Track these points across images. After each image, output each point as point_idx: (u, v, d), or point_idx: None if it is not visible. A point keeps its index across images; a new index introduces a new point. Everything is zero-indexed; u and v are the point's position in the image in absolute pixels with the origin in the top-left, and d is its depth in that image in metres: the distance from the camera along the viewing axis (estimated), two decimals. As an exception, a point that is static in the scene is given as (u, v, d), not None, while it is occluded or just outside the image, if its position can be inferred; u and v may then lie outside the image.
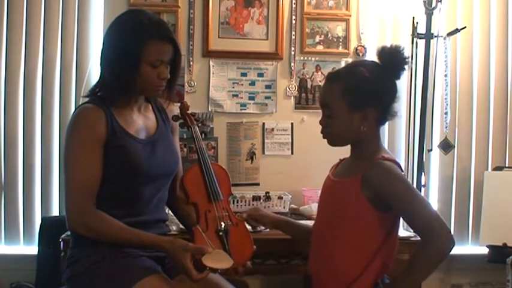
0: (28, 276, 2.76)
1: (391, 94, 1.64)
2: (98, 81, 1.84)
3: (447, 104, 2.89)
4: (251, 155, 2.98)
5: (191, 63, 2.93)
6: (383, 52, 1.64)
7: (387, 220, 1.61)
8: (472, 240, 3.04)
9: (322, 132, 1.68)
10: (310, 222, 2.54)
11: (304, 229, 1.89)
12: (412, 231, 2.56)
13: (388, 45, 1.66)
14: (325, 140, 1.70)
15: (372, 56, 1.70)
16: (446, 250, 1.49)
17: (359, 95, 1.60)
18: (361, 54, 2.98)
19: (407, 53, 1.64)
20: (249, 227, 1.93)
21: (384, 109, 1.64)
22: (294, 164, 3.00)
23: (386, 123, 1.73)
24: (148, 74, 1.74)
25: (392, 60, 1.62)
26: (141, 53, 1.71)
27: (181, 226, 2.16)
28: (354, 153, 1.72)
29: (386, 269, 1.64)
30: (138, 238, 1.71)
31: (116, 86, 1.75)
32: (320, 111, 1.69)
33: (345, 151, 1.74)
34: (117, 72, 1.74)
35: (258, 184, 2.97)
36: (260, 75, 2.98)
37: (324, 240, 1.68)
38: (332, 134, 1.66)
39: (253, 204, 2.68)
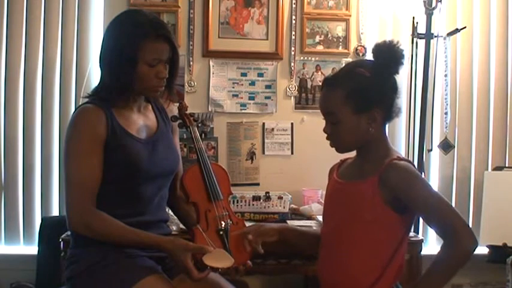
0: (28, 276, 2.75)
1: (394, 90, 1.61)
2: (99, 82, 1.84)
3: (447, 104, 2.89)
4: (251, 155, 2.98)
5: (191, 63, 2.93)
6: (379, 49, 1.61)
7: (404, 222, 1.57)
8: (472, 240, 3.03)
9: (328, 139, 1.63)
10: (310, 222, 2.57)
11: (312, 235, 1.80)
12: (412, 231, 2.57)
13: (382, 41, 1.63)
14: (329, 143, 1.64)
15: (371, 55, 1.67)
16: (470, 251, 1.44)
17: (364, 97, 1.56)
18: (361, 54, 2.98)
19: (402, 46, 1.61)
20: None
21: (389, 107, 1.60)
22: (294, 164, 3.00)
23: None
24: (146, 73, 1.73)
25: (389, 56, 1.59)
26: (137, 53, 1.71)
27: (181, 226, 2.16)
28: (361, 154, 1.66)
29: (402, 271, 1.59)
30: (139, 238, 1.71)
31: (114, 86, 1.75)
32: (320, 111, 1.66)
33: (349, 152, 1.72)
34: (115, 73, 1.74)
35: (258, 184, 2.97)
36: (260, 75, 2.98)
37: (337, 245, 1.63)
38: (341, 141, 1.62)
39: (253, 204, 2.68)
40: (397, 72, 1.61)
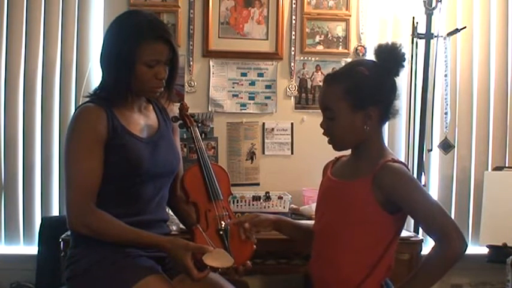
0: (28, 276, 2.76)
1: (392, 91, 1.63)
2: (100, 82, 1.85)
3: (447, 104, 2.89)
4: (251, 155, 2.98)
5: (191, 63, 2.93)
6: (380, 50, 1.63)
7: (395, 222, 1.59)
8: (472, 240, 3.03)
9: (325, 135, 1.66)
10: (310, 222, 2.56)
11: (306, 229, 1.84)
12: (412, 231, 2.57)
13: (385, 43, 1.65)
14: (327, 141, 1.66)
15: (372, 55, 1.69)
16: (460, 254, 1.47)
17: (361, 95, 1.58)
18: (361, 54, 2.98)
19: (404, 49, 1.63)
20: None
21: (386, 107, 1.63)
22: (294, 164, 3.00)
23: (386, 123, 1.72)
24: (144, 74, 1.73)
25: (390, 58, 1.61)
26: (135, 53, 1.71)
27: (181, 226, 2.16)
28: (355, 153, 1.69)
29: (390, 271, 1.62)
30: (139, 238, 1.71)
31: (113, 86, 1.76)
32: (320, 111, 1.68)
33: (345, 150, 1.73)
34: (114, 73, 1.74)
35: (258, 184, 2.97)
36: (260, 75, 2.98)
37: (328, 244, 1.65)
38: (336, 137, 1.64)
39: (253, 204, 2.68)
40: (397, 74, 1.64)
